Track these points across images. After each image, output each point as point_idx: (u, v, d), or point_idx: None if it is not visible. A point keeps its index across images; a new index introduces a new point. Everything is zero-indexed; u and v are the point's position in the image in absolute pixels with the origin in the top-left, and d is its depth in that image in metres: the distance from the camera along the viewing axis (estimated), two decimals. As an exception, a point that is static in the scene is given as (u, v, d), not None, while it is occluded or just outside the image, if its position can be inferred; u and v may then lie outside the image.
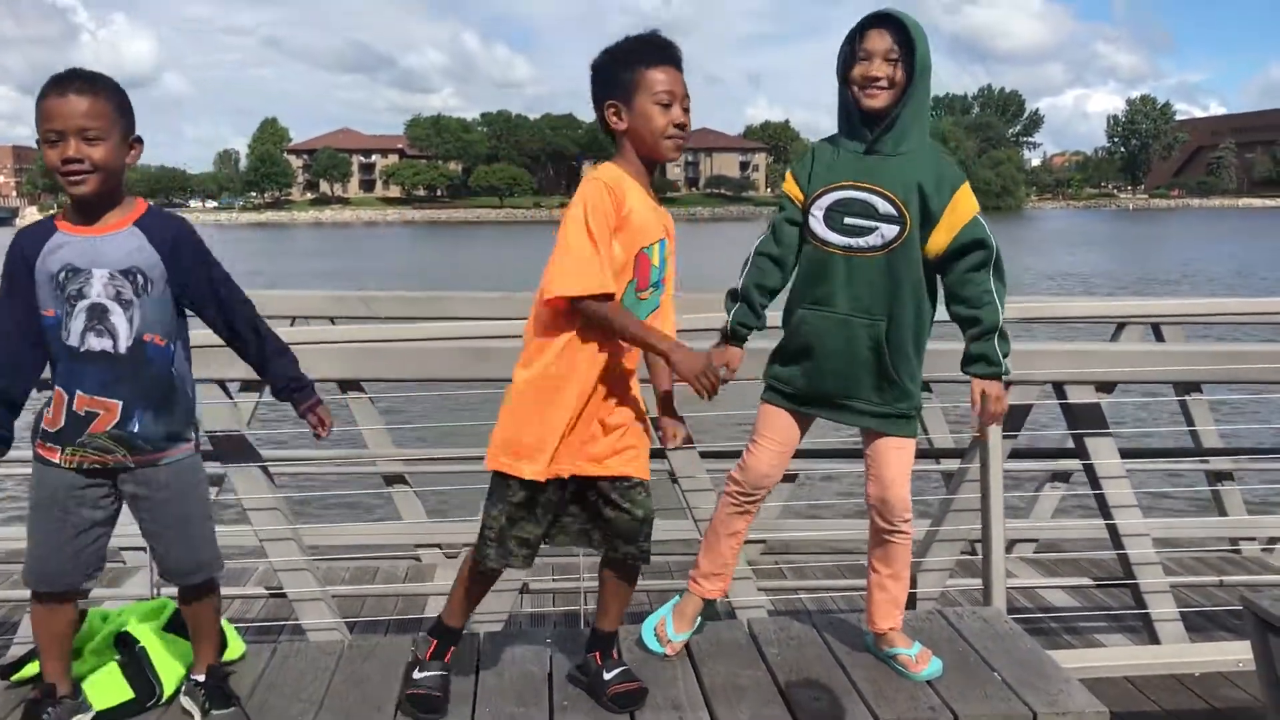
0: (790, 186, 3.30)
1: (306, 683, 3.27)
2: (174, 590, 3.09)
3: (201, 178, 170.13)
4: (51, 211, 3.15)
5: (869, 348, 3.15)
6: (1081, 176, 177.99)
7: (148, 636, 3.19)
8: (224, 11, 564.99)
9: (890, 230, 3.12)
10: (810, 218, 3.21)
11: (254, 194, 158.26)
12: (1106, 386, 5.53)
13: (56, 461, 2.80)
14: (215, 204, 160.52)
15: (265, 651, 3.49)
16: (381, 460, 6.61)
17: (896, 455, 3.23)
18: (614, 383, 2.98)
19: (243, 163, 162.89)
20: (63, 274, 2.73)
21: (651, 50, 2.94)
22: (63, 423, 2.78)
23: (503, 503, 2.96)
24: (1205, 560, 6.40)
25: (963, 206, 3.13)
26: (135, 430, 2.80)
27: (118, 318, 2.75)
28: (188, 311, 2.92)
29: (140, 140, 2.82)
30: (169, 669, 3.15)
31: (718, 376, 2.91)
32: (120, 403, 2.78)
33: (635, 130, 2.94)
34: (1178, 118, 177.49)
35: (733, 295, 3.34)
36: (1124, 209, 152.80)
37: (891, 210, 3.11)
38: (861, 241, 3.14)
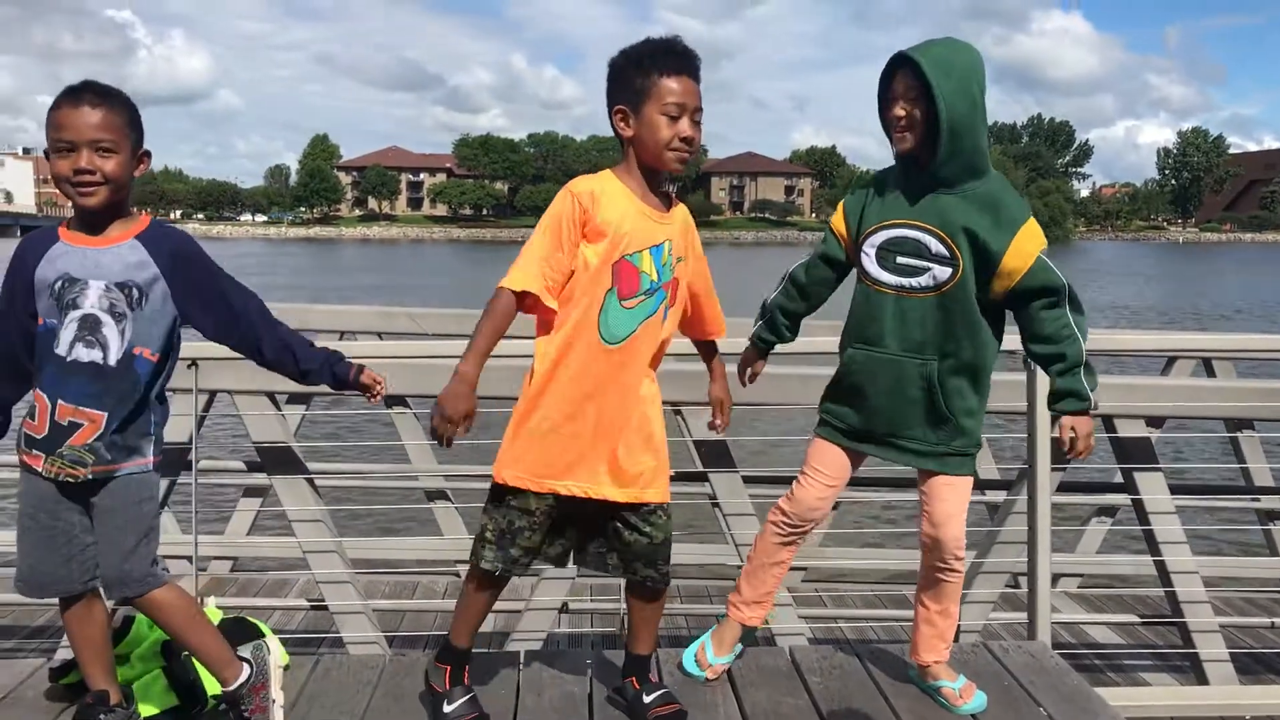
0: (838, 222, 3.26)
1: (348, 696, 3.28)
2: (214, 601, 3.09)
3: (252, 192, 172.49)
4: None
5: (920, 387, 3.09)
6: (1131, 208, 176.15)
7: (193, 644, 3.21)
8: (278, 29, 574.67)
9: (943, 271, 3.04)
10: (863, 255, 3.16)
11: (303, 209, 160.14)
12: (1156, 421, 5.45)
13: (40, 470, 2.77)
14: (265, 218, 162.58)
15: (307, 663, 3.51)
16: (424, 476, 6.65)
17: (951, 493, 3.16)
18: (615, 401, 2.93)
19: (293, 178, 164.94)
20: (59, 283, 2.72)
21: (667, 58, 2.86)
22: (46, 431, 2.75)
23: (501, 507, 2.96)
24: (1255, 601, 6.27)
25: (1025, 249, 3.01)
26: (104, 440, 2.77)
27: (109, 330, 2.73)
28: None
29: (149, 154, 2.83)
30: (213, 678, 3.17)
31: (454, 432, 2.80)
32: (105, 414, 2.75)
33: (640, 138, 2.89)
34: (1230, 151, 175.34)
35: (762, 308, 3.44)
36: (1173, 242, 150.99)
37: (944, 251, 3.03)
38: (914, 282, 3.07)
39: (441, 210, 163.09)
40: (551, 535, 2.99)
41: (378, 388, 3.01)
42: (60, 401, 2.73)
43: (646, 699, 3.10)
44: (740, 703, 3.26)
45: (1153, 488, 4.69)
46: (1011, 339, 3.22)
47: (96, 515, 2.83)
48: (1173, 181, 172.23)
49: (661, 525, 3.01)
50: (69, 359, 2.72)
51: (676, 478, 4.85)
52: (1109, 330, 12.52)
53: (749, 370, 3.47)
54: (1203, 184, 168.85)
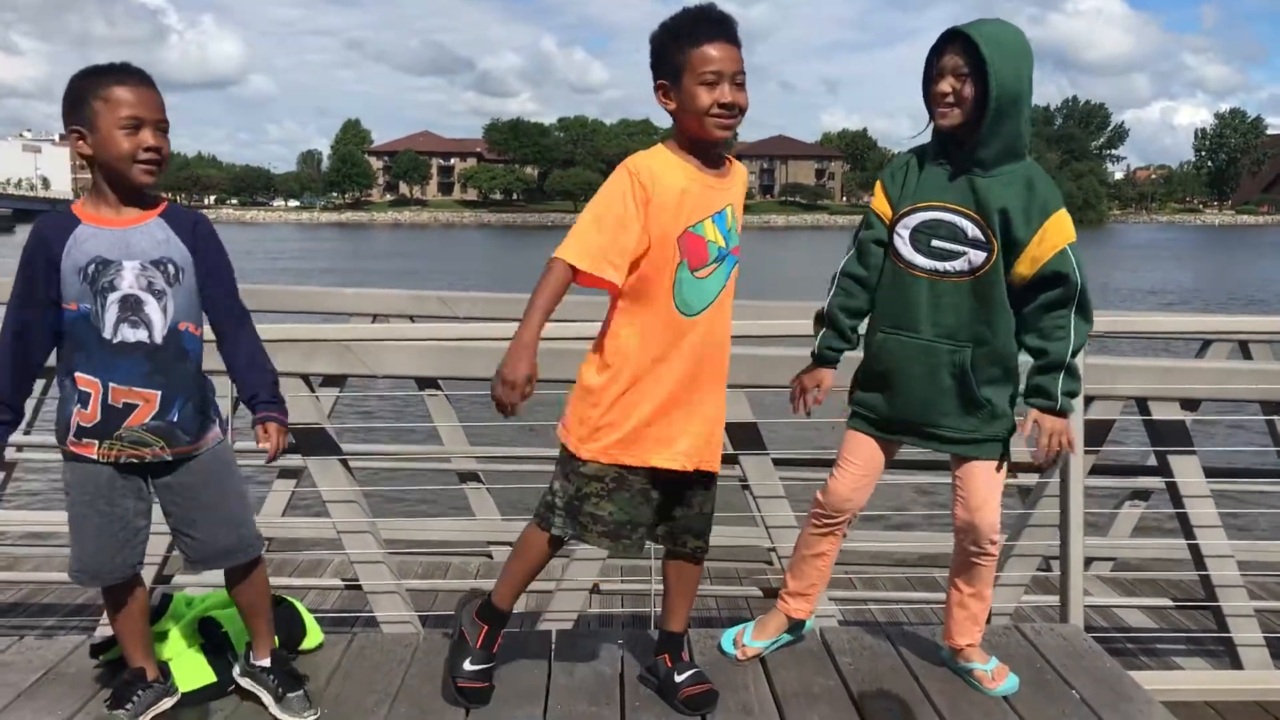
0: (880, 203, 3.16)
1: (381, 674, 3.32)
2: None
3: (284, 177, 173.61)
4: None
5: (952, 374, 3.05)
6: (1166, 191, 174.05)
7: (231, 622, 3.26)
8: (310, 14, 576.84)
9: (978, 256, 3.00)
10: (896, 237, 3.10)
11: (335, 194, 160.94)
12: (1191, 404, 5.40)
13: (93, 457, 2.79)
14: (297, 203, 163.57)
15: (341, 642, 3.56)
16: (456, 457, 6.69)
17: (985, 478, 3.12)
18: (692, 371, 2.94)
19: (325, 163, 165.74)
20: (92, 266, 2.71)
21: (702, 26, 2.83)
22: (99, 416, 2.76)
23: (573, 476, 2.97)
24: (1291, 585, 6.21)
25: (1052, 237, 2.96)
26: (175, 420, 2.81)
27: (152, 308, 2.74)
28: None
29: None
30: (184, 670, 3.20)
31: (517, 399, 2.75)
32: (159, 393, 2.77)
33: (682, 110, 2.87)
34: (1269, 132, 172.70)
35: (819, 318, 3.26)
36: (1209, 224, 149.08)
37: (979, 235, 2.99)
38: (949, 266, 3.02)
39: (472, 195, 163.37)
40: (622, 504, 2.96)
41: (267, 445, 2.91)
42: (112, 384, 2.75)
43: (678, 678, 3.12)
44: (771, 682, 3.28)
45: (1187, 471, 4.65)
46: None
47: (184, 498, 2.88)
48: (1209, 163, 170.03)
49: (712, 496, 3.07)
50: (115, 340, 2.73)
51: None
52: (1144, 313, 12.40)
53: (818, 386, 3.25)
54: (1240, 165, 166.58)
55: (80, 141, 2.71)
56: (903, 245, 3.09)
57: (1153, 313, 14.06)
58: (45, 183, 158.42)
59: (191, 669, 3.16)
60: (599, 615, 5.51)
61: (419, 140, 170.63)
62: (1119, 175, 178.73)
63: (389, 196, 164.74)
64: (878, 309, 3.18)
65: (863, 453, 3.23)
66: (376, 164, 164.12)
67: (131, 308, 2.73)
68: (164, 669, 3.09)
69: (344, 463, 4.52)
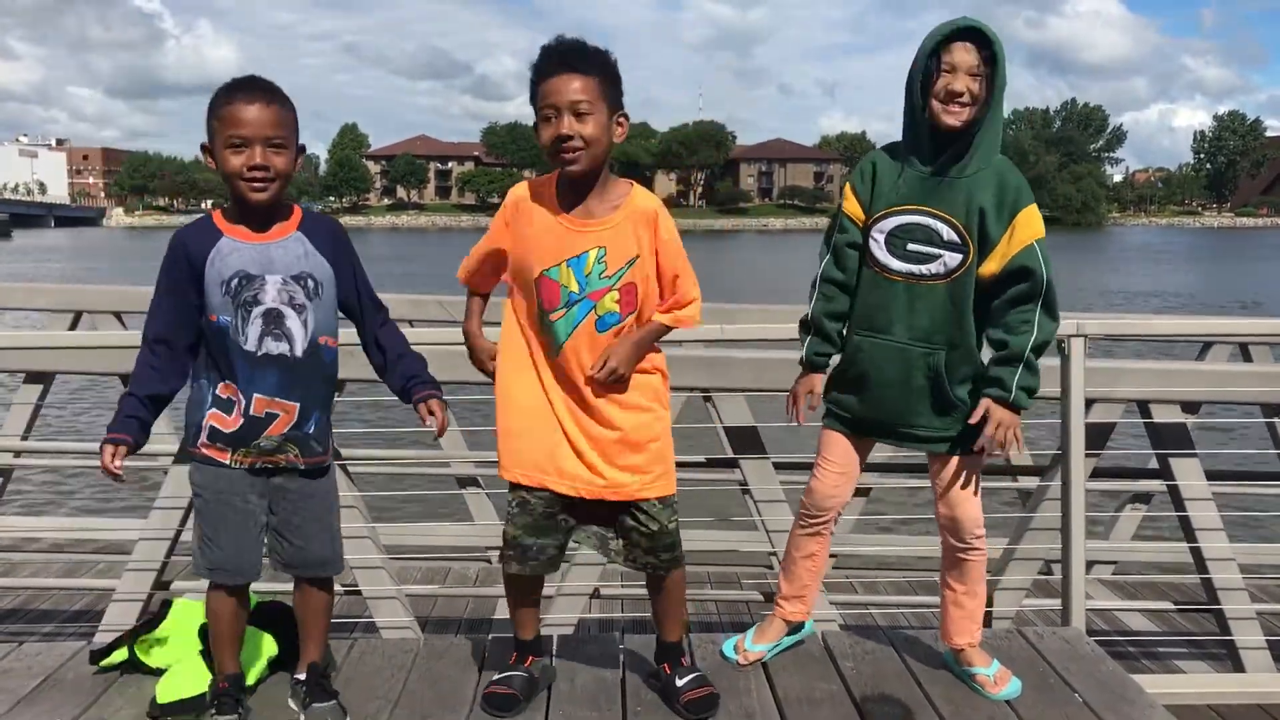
0: (851, 206, 3.15)
1: (382, 680, 3.31)
2: (260, 587, 3.13)
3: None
4: (207, 208, 3.22)
5: (927, 376, 3.06)
6: (1164, 193, 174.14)
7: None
8: (306, 19, 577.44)
9: (954, 258, 3.00)
10: (871, 241, 3.09)
11: (332, 198, 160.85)
12: (1192, 406, 5.39)
13: (226, 462, 2.85)
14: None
15: (342, 647, 3.54)
16: (455, 462, 6.68)
17: (963, 472, 3.14)
18: (574, 406, 2.95)
19: (322, 168, 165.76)
20: (235, 280, 2.77)
21: (540, 62, 2.84)
22: (240, 425, 2.83)
23: (512, 506, 3.03)
24: (1292, 588, 6.20)
25: (1021, 233, 2.97)
26: (310, 431, 2.89)
27: (293, 322, 2.81)
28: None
29: (304, 148, 2.88)
30: (251, 660, 3.21)
31: (488, 366, 3.11)
32: (297, 404, 2.85)
33: (541, 145, 2.90)
34: (1268, 134, 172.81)
35: (804, 325, 3.26)
36: (1208, 226, 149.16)
37: (955, 238, 2.99)
38: (925, 269, 3.02)
39: (470, 199, 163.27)
40: (524, 527, 3.01)
41: (434, 423, 3.01)
42: (257, 395, 2.81)
43: (679, 682, 3.11)
44: (773, 687, 3.27)
45: (1188, 473, 4.65)
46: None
47: (299, 505, 2.94)
48: (1208, 166, 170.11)
49: (657, 515, 2.99)
50: (259, 354, 2.80)
51: (708, 464, 4.88)
52: (1144, 315, 12.41)
53: (811, 393, 3.26)
54: (1238, 168, 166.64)
55: (210, 158, 2.79)
56: (878, 249, 3.09)
57: (1153, 315, 14.06)
58: (42, 187, 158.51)
59: (192, 673, 3.14)
60: (599, 620, 5.50)
61: (416, 144, 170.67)
62: (1118, 178, 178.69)
63: (386, 201, 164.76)
64: (853, 311, 3.18)
65: (839, 450, 3.25)
66: (374, 168, 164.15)
67: (274, 321, 2.79)
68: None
69: (343, 468, 4.51)
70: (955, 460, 3.14)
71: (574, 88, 2.79)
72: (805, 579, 3.40)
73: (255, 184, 2.75)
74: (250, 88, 2.76)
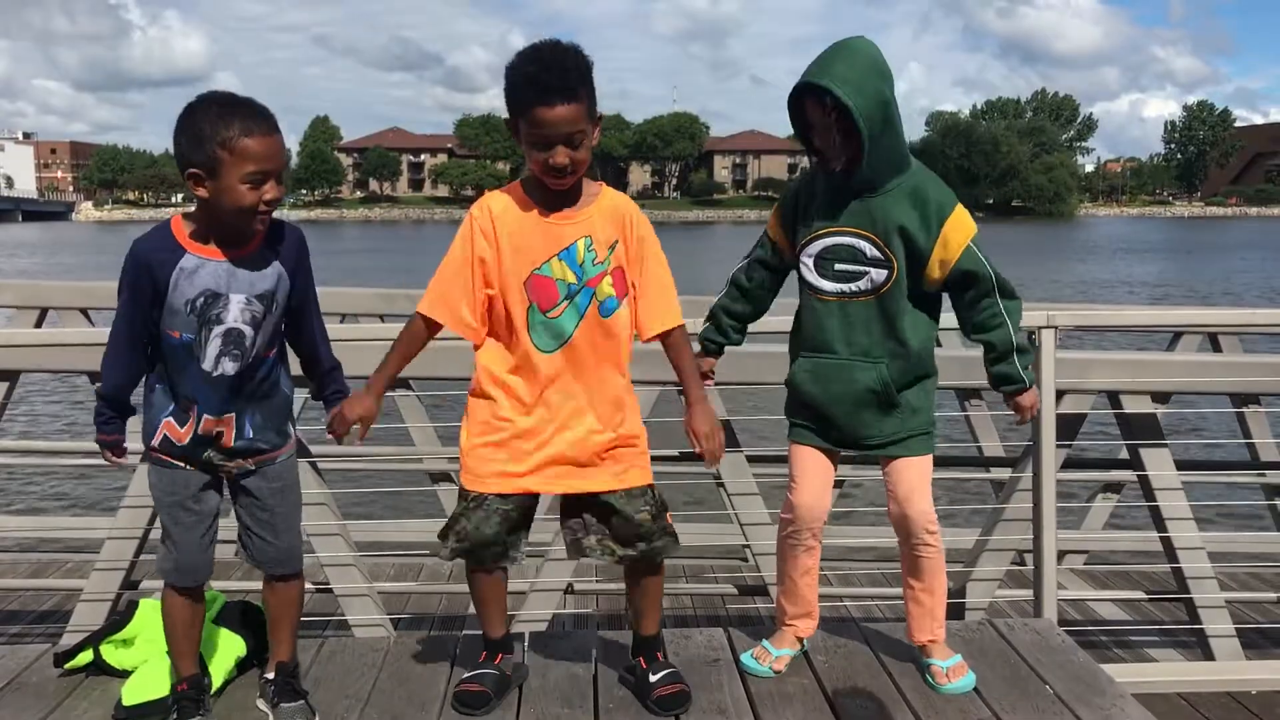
0: (775, 230, 3.31)
1: (353, 679, 3.28)
2: (224, 585, 3.11)
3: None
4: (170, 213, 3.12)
5: (871, 389, 3.14)
6: (1135, 183, 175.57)
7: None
8: (275, 10, 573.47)
9: (879, 274, 3.10)
10: (802, 266, 3.21)
11: (304, 192, 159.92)
12: (1162, 397, 5.42)
13: (179, 464, 2.84)
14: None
15: (312, 646, 3.51)
16: (428, 458, 6.64)
17: (911, 470, 3.19)
18: (568, 401, 2.94)
19: (294, 160, 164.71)
20: (200, 299, 2.70)
21: (532, 91, 2.75)
22: (189, 440, 2.81)
23: (467, 505, 3.04)
24: (1261, 576, 6.25)
25: (953, 240, 3.06)
26: (251, 437, 2.85)
27: (249, 339, 2.77)
28: None
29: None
30: (218, 662, 3.18)
31: (347, 430, 2.89)
32: (234, 414, 2.82)
33: (526, 154, 2.90)
34: (1236, 124, 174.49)
35: (710, 311, 3.45)
36: (1179, 216, 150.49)
37: (878, 254, 3.08)
38: (853, 287, 3.13)
39: (443, 191, 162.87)
40: (478, 522, 3.03)
41: (340, 429, 2.92)
42: (205, 415, 2.79)
43: (652, 678, 3.10)
44: (745, 682, 3.26)
45: (1159, 464, 4.67)
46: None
47: (259, 502, 2.93)
48: (1178, 155, 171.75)
49: (639, 506, 2.99)
50: (215, 374, 2.76)
51: (680, 458, 4.87)
52: (1115, 306, 12.49)
53: (711, 371, 3.46)
54: (1208, 158, 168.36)
55: (199, 187, 2.65)
56: (809, 273, 3.19)
57: (1123, 306, 14.16)
58: (9, 181, 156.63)
59: (161, 677, 3.10)
60: (573, 616, 5.48)
61: (388, 136, 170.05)
62: (1089, 168, 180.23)
63: (359, 193, 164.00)
64: (798, 335, 3.29)
65: (810, 461, 3.28)
66: (346, 161, 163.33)
67: (234, 341, 2.75)
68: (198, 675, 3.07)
69: (313, 465, 4.47)
70: (902, 461, 3.20)
71: (567, 119, 2.76)
72: (808, 594, 3.40)
73: (265, 215, 2.72)
74: (262, 117, 2.66)
